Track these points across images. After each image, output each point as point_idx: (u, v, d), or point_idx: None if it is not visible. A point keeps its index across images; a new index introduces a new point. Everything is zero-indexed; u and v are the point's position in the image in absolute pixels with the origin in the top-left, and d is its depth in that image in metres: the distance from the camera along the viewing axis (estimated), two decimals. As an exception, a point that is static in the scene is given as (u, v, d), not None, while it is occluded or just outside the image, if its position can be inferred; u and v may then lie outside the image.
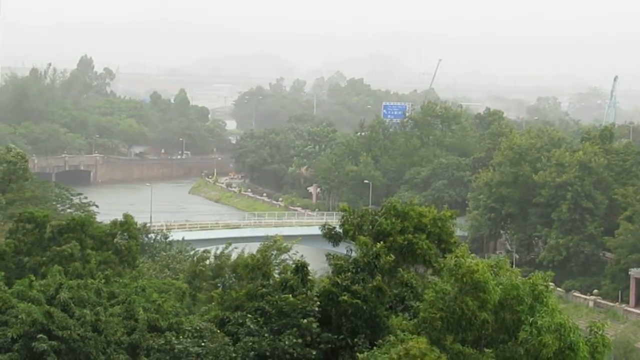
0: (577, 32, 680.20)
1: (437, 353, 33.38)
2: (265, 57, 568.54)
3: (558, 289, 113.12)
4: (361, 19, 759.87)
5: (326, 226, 49.35)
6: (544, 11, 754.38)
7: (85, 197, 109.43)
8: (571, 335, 33.33)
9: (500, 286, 34.85)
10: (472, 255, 56.46)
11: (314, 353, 39.28)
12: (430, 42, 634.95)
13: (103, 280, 44.75)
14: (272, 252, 53.00)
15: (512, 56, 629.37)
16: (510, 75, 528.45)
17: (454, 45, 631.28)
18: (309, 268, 43.63)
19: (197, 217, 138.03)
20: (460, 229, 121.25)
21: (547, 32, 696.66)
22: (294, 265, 44.25)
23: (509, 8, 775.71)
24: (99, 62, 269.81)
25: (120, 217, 58.94)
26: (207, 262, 58.31)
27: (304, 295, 40.99)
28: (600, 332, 34.39)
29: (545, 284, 35.01)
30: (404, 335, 35.67)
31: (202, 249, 66.45)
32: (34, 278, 44.05)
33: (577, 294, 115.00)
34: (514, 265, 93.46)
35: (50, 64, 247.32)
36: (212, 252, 60.47)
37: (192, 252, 65.20)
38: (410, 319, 38.30)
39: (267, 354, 38.98)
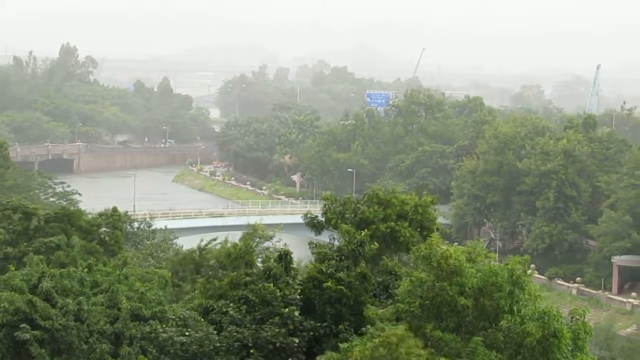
0: (563, 25, 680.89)
1: (414, 339, 33.28)
2: (251, 48, 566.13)
3: (542, 276, 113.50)
4: (346, 8, 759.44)
5: (308, 215, 49.17)
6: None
7: (68, 186, 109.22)
8: (555, 323, 33.28)
9: (479, 273, 34.71)
10: (455, 243, 56.41)
11: (297, 341, 39.19)
12: (415, 32, 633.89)
13: (86, 269, 44.50)
14: (255, 240, 52.83)
15: (497, 47, 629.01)
16: (495, 64, 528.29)
17: (439, 34, 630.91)
18: (293, 256, 43.51)
19: (180, 206, 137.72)
20: (444, 217, 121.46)
21: (532, 22, 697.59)
22: (277, 254, 44.10)
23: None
24: (85, 51, 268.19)
25: (103, 206, 58.74)
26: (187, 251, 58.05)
27: (285, 284, 40.84)
28: (581, 319, 34.41)
29: (523, 268, 34.89)
30: (384, 324, 35.55)
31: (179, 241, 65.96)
32: (14, 268, 43.75)
33: (560, 281, 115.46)
34: (497, 254, 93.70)
35: (31, 52, 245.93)
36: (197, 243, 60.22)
37: (173, 244, 64.69)
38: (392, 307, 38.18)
39: (250, 344, 38.86)
